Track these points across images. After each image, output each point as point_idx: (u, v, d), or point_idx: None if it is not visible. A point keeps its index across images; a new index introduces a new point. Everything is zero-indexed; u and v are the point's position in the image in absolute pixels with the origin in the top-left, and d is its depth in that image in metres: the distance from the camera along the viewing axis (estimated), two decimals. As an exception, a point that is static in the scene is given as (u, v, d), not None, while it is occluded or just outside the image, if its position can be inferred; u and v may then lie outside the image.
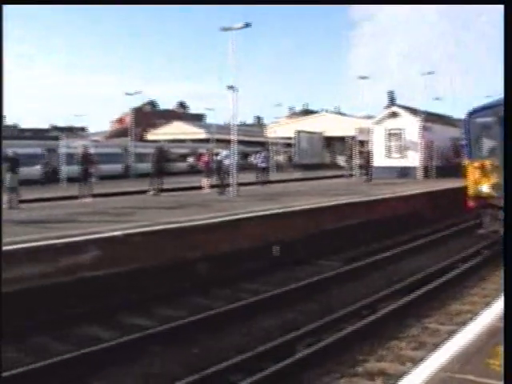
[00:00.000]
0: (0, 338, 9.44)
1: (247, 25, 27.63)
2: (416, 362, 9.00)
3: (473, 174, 19.21)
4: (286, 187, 35.83)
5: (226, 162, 29.87)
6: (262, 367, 9.19)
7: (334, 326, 11.42)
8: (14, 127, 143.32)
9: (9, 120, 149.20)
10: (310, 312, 12.85)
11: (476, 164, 18.94)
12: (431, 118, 43.46)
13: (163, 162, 30.62)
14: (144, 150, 62.63)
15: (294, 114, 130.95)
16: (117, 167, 56.79)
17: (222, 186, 29.08)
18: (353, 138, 51.93)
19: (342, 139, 68.70)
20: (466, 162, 20.22)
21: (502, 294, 7.30)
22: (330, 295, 14.37)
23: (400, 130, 41.89)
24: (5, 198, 22.82)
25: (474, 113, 19.62)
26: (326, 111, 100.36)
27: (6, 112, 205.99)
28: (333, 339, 10.43)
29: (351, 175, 44.85)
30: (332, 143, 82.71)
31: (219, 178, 29.55)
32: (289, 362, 9.39)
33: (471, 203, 19.41)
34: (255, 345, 10.42)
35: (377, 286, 14.92)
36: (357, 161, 46.49)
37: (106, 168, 53.86)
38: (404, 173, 40.79)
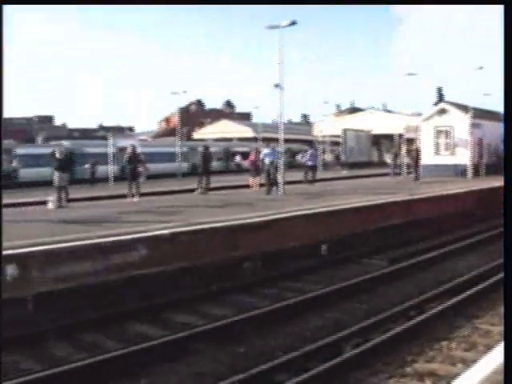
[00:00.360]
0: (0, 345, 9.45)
1: (293, 23, 27.55)
2: (467, 363, 8.89)
3: None
4: (333, 185, 35.61)
5: (267, 160, 29.22)
6: (309, 367, 9.15)
7: (382, 326, 11.33)
8: (63, 127, 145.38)
9: (57, 120, 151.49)
10: (357, 312, 12.78)
11: None
12: (481, 115, 42.71)
13: (210, 161, 30.54)
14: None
15: (341, 112, 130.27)
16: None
17: (268, 185, 28.65)
18: (400, 135, 51.47)
19: (389, 137, 68.12)
20: None
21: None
22: (377, 295, 14.26)
23: (449, 127, 41.30)
24: (53, 197, 23.13)
25: None
26: (373, 109, 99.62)
27: (54, 112, 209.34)
28: (380, 339, 10.33)
29: (399, 173, 44.33)
30: (380, 141, 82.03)
31: (265, 176, 29.33)
32: (336, 362, 9.32)
33: None
34: (301, 344, 10.39)
35: (424, 285, 14.74)
36: (404, 159, 46.06)
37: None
38: (453, 171, 40.12)
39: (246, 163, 35.55)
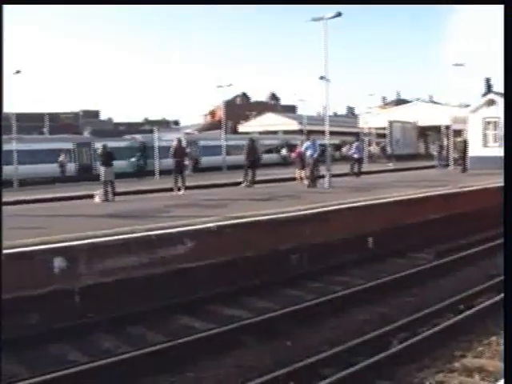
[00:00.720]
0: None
1: (338, 14, 27.38)
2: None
3: None
4: (379, 178, 35.43)
5: (308, 153, 28.75)
6: (355, 361, 9.08)
7: (430, 320, 11.19)
8: (109, 121, 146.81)
9: (103, 115, 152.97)
10: (404, 306, 12.65)
11: None
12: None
13: (257, 154, 30.51)
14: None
15: (387, 104, 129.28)
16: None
17: (314, 178, 28.40)
18: (447, 127, 50.83)
19: (436, 128, 67.36)
20: None
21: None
22: (424, 289, 14.09)
23: (497, 118, 40.64)
24: (100, 191, 23.39)
25: None
26: (419, 100, 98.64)
27: (100, 107, 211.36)
28: (428, 334, 10.21)
29: (446, 165, 43.79)
30: (426, 133, 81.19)
31: (308, 169, 29.06)
32: (382, 357, 9.23)
33: None
34: (347, 338, 10.33)
35: (472, 280, 14.48)
36: (451, 151, 45.50)
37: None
38: (501, 163, 39.29)
39: (292, 156, 35.07)
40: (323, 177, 27.81)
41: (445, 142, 48.89)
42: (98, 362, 9.19)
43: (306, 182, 30.53)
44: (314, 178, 28.46)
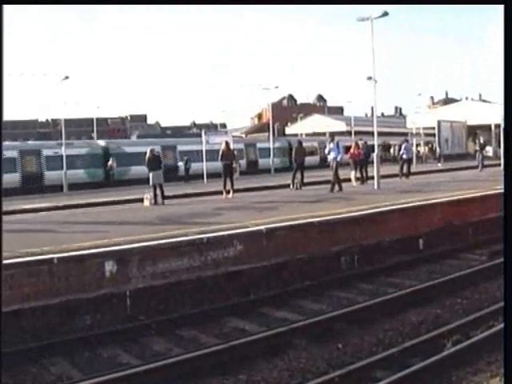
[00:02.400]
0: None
1: (385, 14, 27.18)
2: None
3: None
4: (429, 178, 35.08)
5: (331, 155, 27.29)
6: (409, 363, 8.97)
7: (484, 322, 10.99)
8: (156, 125, 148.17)
9: (151, 119, 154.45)
10: (457, 307, 12.46)
11: None
12: None
13: (304, 156, 30.26)
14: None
15: (435, 103, 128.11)
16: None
17: (333, 182, 26.92)
18: (497, 126, 50.11)
19: (486, 127, 66.54)
20: None
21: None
22: (477, 290, 13.86)
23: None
24: (149, 194, 23.57)
25: None
26: (467, 99, 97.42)
27: (147, 111, 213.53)
28: (483, 336, 10.04)
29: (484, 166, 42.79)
30: (476, 132, 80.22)
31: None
32: (436, 359, 9.10)
33: None
34: (400, 340, 10.24)
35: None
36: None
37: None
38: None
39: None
40: (372, 178, 27.35)
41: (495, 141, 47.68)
42: (150, 365, 9.23)
43: (354, 183, 30.37)
44: (339, 182, 26.90)
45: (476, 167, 42.80)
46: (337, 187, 26.47)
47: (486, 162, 43.15)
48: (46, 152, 48.77)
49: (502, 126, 45.95)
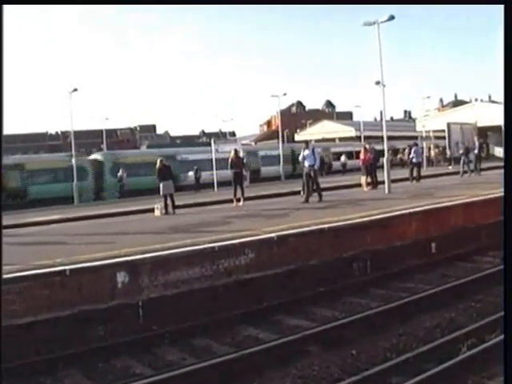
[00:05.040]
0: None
1: (391, 18, 27.17)
2: None
3: None
4: (439, 182, 34.98)
5: (306, 163, 25.26)
6: (424, 369, 8.90)
7: (499, 325, 10.90)
8: (165, 135, 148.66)
9: (160, 129, 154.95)
10: (472, 311, 12.38)
11: None
12: None
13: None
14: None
15: (444, 106, 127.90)
16: None
17: (306, 192, 25.66)
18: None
19: (497, 129, 66.19)
20: None
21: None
22: (492, 294, 13.75)
23: None
24: (159, 204, 23.60)
25: None
26: (477, 100, 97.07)
27: (156, 121, 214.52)
28: (498, 340, 9.94)
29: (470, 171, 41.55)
30: (486, 133, 79.84)
31: (313, 181, 27.08)
32: (451, 364, 9.02)
33: None
34: (414, 345, 10.17)
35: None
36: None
37: None
38: None
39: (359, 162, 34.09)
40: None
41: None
42: (163, 375, 9.20)
43: (365, 188, 30.30)
44: (308, 193, 25.53)
45: (489, 168, 42.17)
46: (307, 196, 25.29)
47: (492, 164, 42.45)
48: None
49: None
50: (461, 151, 42.17)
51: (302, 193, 27.76)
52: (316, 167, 25.35)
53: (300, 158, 26.18)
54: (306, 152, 25.51)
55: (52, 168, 50.03)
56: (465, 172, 38.98)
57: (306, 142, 28.41)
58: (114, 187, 49.40)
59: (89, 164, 52.07)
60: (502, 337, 9.89)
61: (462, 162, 40.33)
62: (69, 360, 10.33)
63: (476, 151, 40.29)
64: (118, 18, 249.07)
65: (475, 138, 42.18)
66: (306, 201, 24.82)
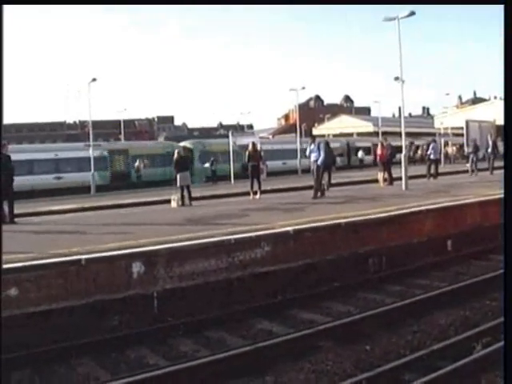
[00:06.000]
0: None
1: (412, 13, 27.04)
2: None
3: None
4: (457, 179, 34.82)
5: (312, 158, 24.93)
6: (437, 366, 8.87)
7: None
8: (183, 127, 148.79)
9: (177, 120, 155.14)
10: (487, 309, 12.31)
11: None
12: None
13: (331, 158, 29.86)
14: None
15: (463, 103, 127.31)
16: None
17: (321, 188, 25.32)
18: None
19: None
20: None
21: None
22: (508, 292, 13.69)
23: None
24: (176, 196, 23.65)
25: None
26: (496, 98, 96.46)
27: (174, 113, 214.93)
28: (513, 339, 9.90)
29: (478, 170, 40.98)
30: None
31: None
32: (466, 362, 8.99)
33: None
34: (428, 343, 10.14)
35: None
36: None
37: None
38: None
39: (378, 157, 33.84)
40: (324, 187, 26.24)
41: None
42: (178, 366, 9.22)
43: (382, 184, 30.23)
44: (322, 189, 25.30)
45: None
46: (319, 193, 24.85)
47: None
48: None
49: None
50: (470, 149, 41.59)
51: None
52: (319, 163, 24.75)
53: (307, 152, 25.97)
54: (312, 146, 25.16)
55: (151, 154, 53.97)
56: (472, 171, 38.51)
57: (313, 137, 28.24)
58: (201, 173, 51.77)
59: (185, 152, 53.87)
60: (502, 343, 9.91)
61: (470, 160, 39.93)
62: (83, 349, 10.37)
63: (490, 150, 39.53)
64: (140, 8, 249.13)
65: (488, 137, 41.40)
66: (315, 196, 24.35)
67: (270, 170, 48.28)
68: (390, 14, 27.83)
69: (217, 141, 66.17)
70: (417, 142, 69.62)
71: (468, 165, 39.62)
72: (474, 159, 39.14)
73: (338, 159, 64.34)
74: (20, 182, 22.92)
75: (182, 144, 58.09)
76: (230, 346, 10.41)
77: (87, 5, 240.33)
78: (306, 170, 55.21)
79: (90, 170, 45.71)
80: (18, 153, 34.43)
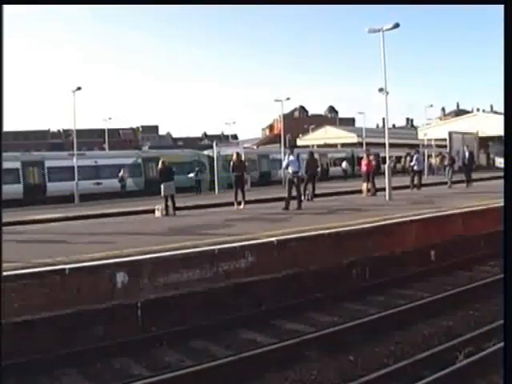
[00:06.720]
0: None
1: (396, 25, 27.22)
2: None
3: None
4: (439, 190, 35.04)
5: (290, 169, 24.31)
6: (420, 376, 8.92)
7: (497, 334, 10.92)
8: (167, 136, 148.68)
9: (162, 130, 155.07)
10: (470, 319, 12.39)
11: None
12: None
13: (315, 168, 30.07)
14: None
15: (447, 115, 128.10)
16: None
17: (287, 199, 24.30)
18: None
19: (498, 139, 66.24)
20: None
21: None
22: (490, 302, 13.77)
23: None
24: (160, 205, 23.63)
25: None
26: (479, 110, 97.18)
27: (159, 122, 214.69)
28: (496, 348, 9.97)
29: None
30: (487, 143, 79.90)
31: (287, 188, 26.23)
32: (448, 372, 9.04)
33: None
34: (412, 352, 10.19)
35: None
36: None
37: None
38: None
39: (361, 168, 33.94)
40: (383, 189, 26.93)
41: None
42: (161, 376, 9.22)
43: (365, 195, 30.37)
44: (289, 200, 24.22)
45: (489, 179, 42.09)
46: (287, 204, 24.05)
47: (493, 174, 41.69)
48: None
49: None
50: (445, 162, 41.78)
51: (302, 197, 27.31)
52: (300, 174, 24.91)
53: (284, 164, 25.61)
54: (291, 158, 24.73)
55: (178, 162, 52.11)
56: (447, 183, 38.68)
57: (291, 147, 28.27)
58: (224, 180, 50.15)
59: (206, 159, 55.55)
60: (501, 344, 9.97)
61: (447, 172, 40.14)
62: (67, 359, 10.35)
63: (461, 162, 39.51)
64: (122, 17, 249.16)
65: (465, 148, 41.65)
66: (286, 208, 23.70)
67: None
68: (375, 25, 27.95)
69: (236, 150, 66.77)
70: (399, 154, 69.89)
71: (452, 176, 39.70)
72: (450, 171, 39.34)
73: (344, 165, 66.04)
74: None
75: (206, 153, 58.92)
76: (215, 356, 10.41)
77: (75, 10, 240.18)
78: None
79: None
80: None
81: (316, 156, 30.24)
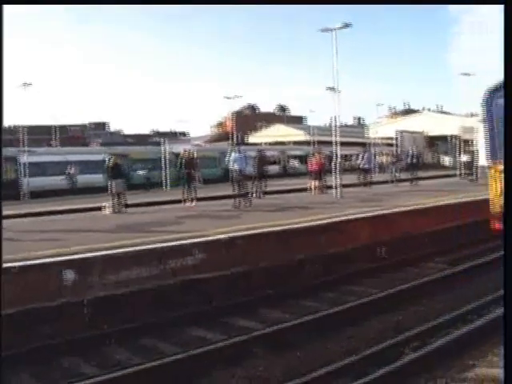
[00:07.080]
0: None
1: (347, 25, 27.43)
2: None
3: (497, 181, 14.00)
4: (389, 188, 35.39)
5: (235, 166, 24.54)
6: (368, 371, 9.04)
7: (443, 329, 11.12)
8: (117, 133, 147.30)
9: (112, 127, 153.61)
10: (418, 315, 12.57)
11: (501, 166, 12.61)
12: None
13: (265, 165, 30.19)
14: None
15: (395, 114, 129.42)
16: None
17: (236, 197, 24.69)
18: (455, 137, 50.55)
19: (445, 138, 67.27)
20: (489, 163, 14.73)
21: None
22: (437, 298, 14.00)
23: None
24: (109, 202, 23.43)
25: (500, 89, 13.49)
26: (428, 110, 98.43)
27: (109, 119, 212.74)
28: (441, 343, 10.15)
29: (464, 175, 42.65)
30: (435, 143, 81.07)
31: (233, 186, 26.24)
32: (395, 366, 9.19)
33: (497, 224, 13.80)
34: (361, 348, 10.30)
35: (485, 289, 14.28)
36: (462, 160, 44.71)
37: None
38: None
39: (309, 166, 34.07)
40: (247, 196, 25.55)
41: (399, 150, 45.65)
42: (110, 375, 9.20)
43: (313, 193, 30.53)
44: (238, 197, 24.56)
45: (436, 177, 42.75)
46: (243, 201, 24.40)
47: (439, 173, 42.27)
48: None
49: (463, 137, 46.08)
50: (389, 159, 42.71)
51: (249, 194, 27.13)
52: (247, 172, 25.18)
53: (230, 161, 25.37)
54: (236, 155, 24.78)
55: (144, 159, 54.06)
56: (392, 181, 39.43)
57: (238, 145, 28.17)
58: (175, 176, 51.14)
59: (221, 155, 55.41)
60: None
61: (391, 170, 41.21)
62: (15, 359, 10.22)
63: (409, 160, 40.45)
64: (122, 17, 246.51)
65: (411, 147, 42.43)
66: (237, 206, 23.96)
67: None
68: (329, 24, 28.09)
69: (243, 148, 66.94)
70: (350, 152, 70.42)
71: (397, 174, 40.28)
72: (393, 169, 40.13)
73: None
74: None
75: (209, 152, 58.99)
76: (164, 354, 10.40)
77: (75, 10, 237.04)
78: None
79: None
80: None
81: (269, 154, 30.13)
